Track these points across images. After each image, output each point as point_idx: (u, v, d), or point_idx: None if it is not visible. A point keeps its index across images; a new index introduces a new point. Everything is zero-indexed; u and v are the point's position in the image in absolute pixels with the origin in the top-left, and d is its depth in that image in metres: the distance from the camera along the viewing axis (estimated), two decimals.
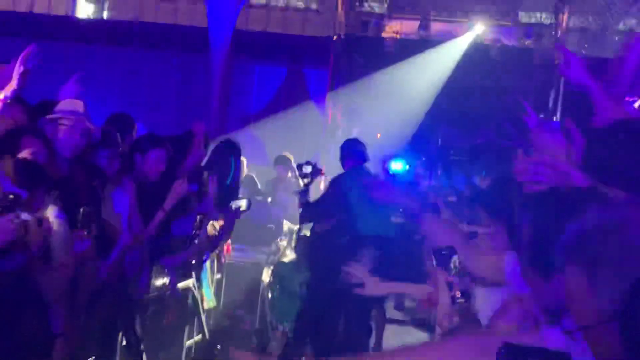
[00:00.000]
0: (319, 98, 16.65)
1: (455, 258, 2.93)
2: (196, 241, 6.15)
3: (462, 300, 2.94)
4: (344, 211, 7.65)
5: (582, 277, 1.74)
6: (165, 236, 5.82)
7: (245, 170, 9.52)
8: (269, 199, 10.21)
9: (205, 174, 6.25)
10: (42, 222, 3.71)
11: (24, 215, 3.58)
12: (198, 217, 6.03)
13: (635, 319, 1.59)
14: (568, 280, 1.79)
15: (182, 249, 6.14)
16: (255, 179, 10.50)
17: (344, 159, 8.05)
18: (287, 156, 10.48)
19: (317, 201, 8.01)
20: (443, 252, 2.99)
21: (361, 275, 4.03)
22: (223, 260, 7.86)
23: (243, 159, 8.50)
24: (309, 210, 7.85)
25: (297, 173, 8.84)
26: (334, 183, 7.98)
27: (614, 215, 1.78)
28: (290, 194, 9.48)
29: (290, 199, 9.54)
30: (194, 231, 6.07)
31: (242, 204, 6.54)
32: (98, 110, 5.95)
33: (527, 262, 2.33)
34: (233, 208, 6.58)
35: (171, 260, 6.07)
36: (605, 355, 1.71)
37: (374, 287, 4.01)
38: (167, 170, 5.67)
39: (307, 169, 7.80)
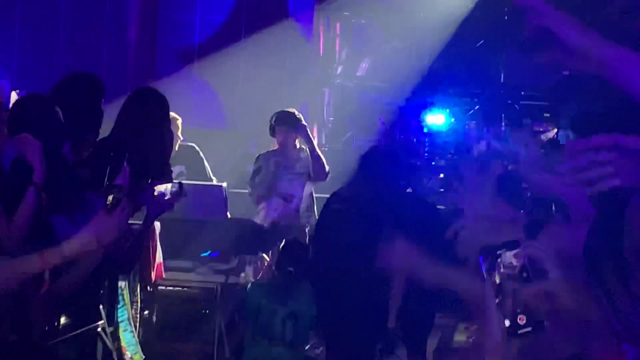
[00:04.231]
0: (303, 14, 14.08)
1: (516, 256, 2.29)
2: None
3: (528, 329, 2.28)
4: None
5: None
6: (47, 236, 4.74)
7: (178, 136, 8.16)
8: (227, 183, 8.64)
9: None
10: None
11: None
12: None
13: None
14: None
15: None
16: (199, 150, 8.81)
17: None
18: (297, 115, 8.43)
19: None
20: (499, 252, 2.37)
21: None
22: (151, 286, 6.77)
23: (174, 120, 7.54)
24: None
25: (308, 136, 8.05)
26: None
27: None
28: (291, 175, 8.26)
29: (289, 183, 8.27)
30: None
31: (166, 187, 5.55)
32: None
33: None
34: (157, 196, 5.60)
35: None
36: None
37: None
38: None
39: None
